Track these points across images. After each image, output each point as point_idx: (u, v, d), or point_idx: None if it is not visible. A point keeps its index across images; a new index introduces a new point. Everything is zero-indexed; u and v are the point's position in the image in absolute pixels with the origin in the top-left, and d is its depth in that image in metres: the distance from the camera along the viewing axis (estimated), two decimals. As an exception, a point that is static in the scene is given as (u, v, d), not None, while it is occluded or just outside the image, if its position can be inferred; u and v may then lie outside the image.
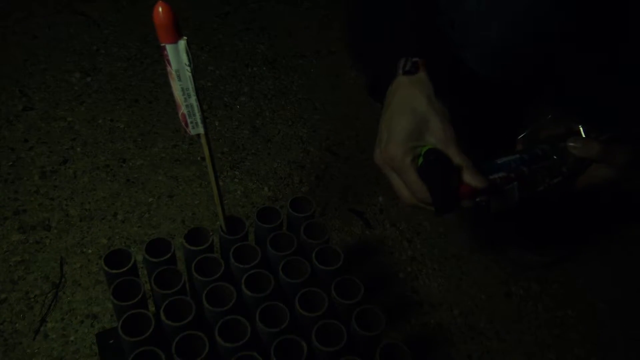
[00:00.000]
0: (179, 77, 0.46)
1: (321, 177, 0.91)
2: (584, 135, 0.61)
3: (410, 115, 0.57)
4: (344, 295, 0.55)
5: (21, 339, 0.67)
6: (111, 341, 0.64)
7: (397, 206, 0.89)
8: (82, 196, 0.82)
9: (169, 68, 0.45)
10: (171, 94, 0.48)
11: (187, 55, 0.44)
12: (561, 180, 0.60)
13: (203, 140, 0.51)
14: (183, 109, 0.48)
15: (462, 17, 0.95)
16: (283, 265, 0.56)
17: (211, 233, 0.58)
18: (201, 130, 0.50)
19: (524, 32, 0.86)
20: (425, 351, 0.74)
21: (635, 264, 0.87)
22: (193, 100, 0.47)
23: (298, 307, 0.53)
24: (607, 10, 0.79)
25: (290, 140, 0.96)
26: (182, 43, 0.44)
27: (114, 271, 0.53)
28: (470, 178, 0.54)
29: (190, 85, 0.46)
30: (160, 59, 0.49)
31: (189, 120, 0.48)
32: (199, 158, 0.90)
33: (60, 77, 0.99)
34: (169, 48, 0.44)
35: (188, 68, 0.45)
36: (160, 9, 0.42)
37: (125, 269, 0.53)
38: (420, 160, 0.54)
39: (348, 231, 0.84)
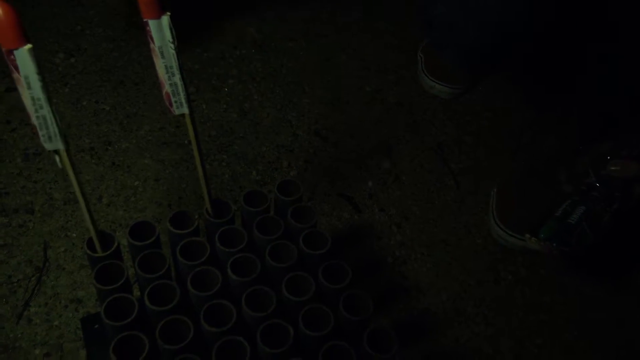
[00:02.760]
0: (162, 54, 0.44)
1: (310, 161, 0.90)
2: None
3: None
4: (331, 280, 0.54)
5: (4, 323, 0.66)
6: (96, 326, 0.63)
7: (387, 191, 0.88)
8: (66, 179, 0.80)
9: (152, 45, 0.44)
10: (158, 75, 0.46)
11: (171, 31, 0.43)
12: (619, 205, 0.65)
13: (187, 121, 0.49)
14: (167, 88, 0.47)
15: (438, 20, 0.98)
16: (270, 249, 0.55)
17: (196, 217, 0.57)
18: (186, 110, 0.48)
19: (499, 33, 0.88)
20: (414, 335, 0.73)
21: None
22: (177, 78, 0.46)
23: (285, 292, 0.52)
24: (585, 7, 0.80)
25: (279, 124, 0.95)
26: (165, 19, 0.42)
27: (97, 255, 0.52)
28: None
29: (174, 63, 0.45)
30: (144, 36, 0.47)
31: (173, 100, 0.47)
32: (185, 141, 0.88)
33: (44, 58, 0.96)
34: (151, 24, 0.42)
35: (172, 45, 0.44)
36: (142, -17, 0.41)
37: (108, 252, 0.52)
38: None
39: (337, 216, 0.84)
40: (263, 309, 0.50)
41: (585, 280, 0.83)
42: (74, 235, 0.75)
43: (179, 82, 0.46)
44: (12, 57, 0.39)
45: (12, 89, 0.91)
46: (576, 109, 0.88)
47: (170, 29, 0.43)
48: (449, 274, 0.80)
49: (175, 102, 0.47)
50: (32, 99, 0.41)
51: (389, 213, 0.85)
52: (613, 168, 0.64)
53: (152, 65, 1.00)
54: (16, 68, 0.39)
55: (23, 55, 0.39)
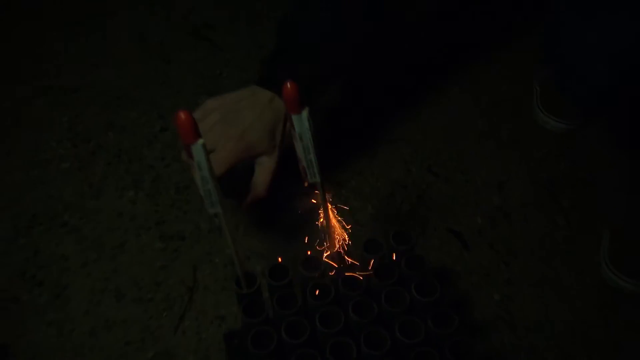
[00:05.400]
0: (301, 138, 0.54)
1: (422, 196, 0.96)
2: None
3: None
4: (439, 326, 0.61)
5: (165, 332, 0.80)
6: (236, 341, 0.76)
7: (496, 228, 0.92)
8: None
9: (293, 132, 0.53)
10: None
11: (309, 122, 0.52)
12: None
13: (319, 188, 0.59)
14: (303, 163, 0.56)
15: (561, 62, 0.95)
16: (385, 294, 0.63)
17: (321, 261, 0.66)
18: (318, 179, 0.58)
19: (631, 78, 0.84)
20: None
21: None
22: (312, 156, 0.55)
23: (398, 334, 0.60)
24: None
25: (393, 160, 1.01)
26: (304, 113, 0.52)
27: (243, 292, 0.63)
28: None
29: (310, 145, 0.54)
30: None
31: (307, 172, 0.57)
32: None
33: (190, 100, 1.12)
34: (294, 118, 0.52)
35: (309, 132, 0.53)
36: (289, 85, 0.51)
37: (252, 290, 0.63)
38: None
39: (446, 251, 0.89)
40: (379, 348, 0.59)
41: None
42: (217, 260, 0.88)
43: (314, 159, 0.55)
44: (190, 149, 0.50)
45: (165, 128, 1.07)
46: None
47: (309, 120, 0.52)
48: (558, 314, 0.82)
49: (310, 173, 0.57)
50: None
51: (498, 250, 0.89)
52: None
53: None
54: (191, 157, 0.51)
55: (198, 149, 0.50)
